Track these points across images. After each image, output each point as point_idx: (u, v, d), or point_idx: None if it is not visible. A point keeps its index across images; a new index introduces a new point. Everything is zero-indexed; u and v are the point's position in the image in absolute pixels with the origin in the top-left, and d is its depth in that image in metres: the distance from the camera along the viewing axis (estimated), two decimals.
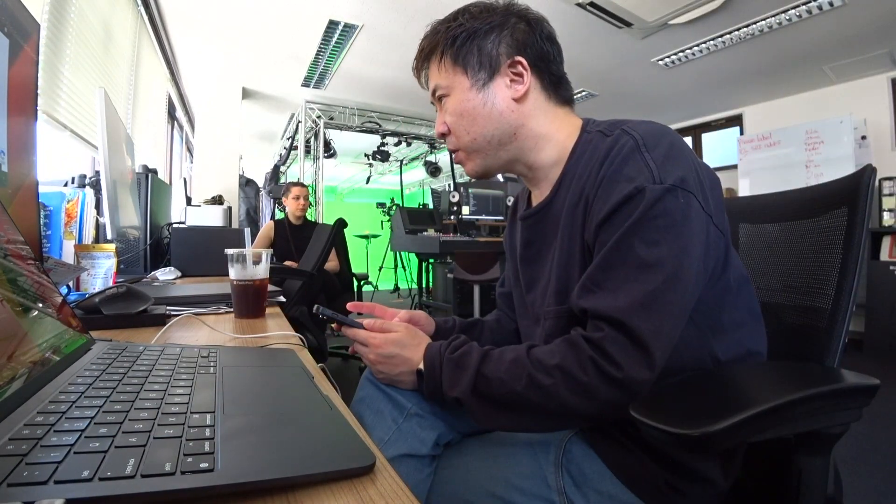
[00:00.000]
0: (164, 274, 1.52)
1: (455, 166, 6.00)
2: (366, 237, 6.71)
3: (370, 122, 4.77)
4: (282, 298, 1.03)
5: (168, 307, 0.83)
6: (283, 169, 5.33)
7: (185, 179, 3.60)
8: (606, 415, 0.51)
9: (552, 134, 0.64)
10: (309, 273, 1.88)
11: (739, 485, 0.57)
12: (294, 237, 3.01)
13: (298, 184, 3.15)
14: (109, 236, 1.19)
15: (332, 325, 0.67)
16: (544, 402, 0.51)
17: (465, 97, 0.62)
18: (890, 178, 3.39)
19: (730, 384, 0.51)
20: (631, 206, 0.51)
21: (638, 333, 0.48)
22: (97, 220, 1.41)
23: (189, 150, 5.12)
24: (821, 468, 0.47)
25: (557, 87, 0.64)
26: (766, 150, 4.02)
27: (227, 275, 0.80)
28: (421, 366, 0.59)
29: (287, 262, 2.82)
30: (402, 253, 6.69)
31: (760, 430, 0.40)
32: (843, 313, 0.56)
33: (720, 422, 0.36)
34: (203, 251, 1.75)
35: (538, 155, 0.64)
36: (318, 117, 4.49)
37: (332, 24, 2.90)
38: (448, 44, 0.63)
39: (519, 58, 0.61)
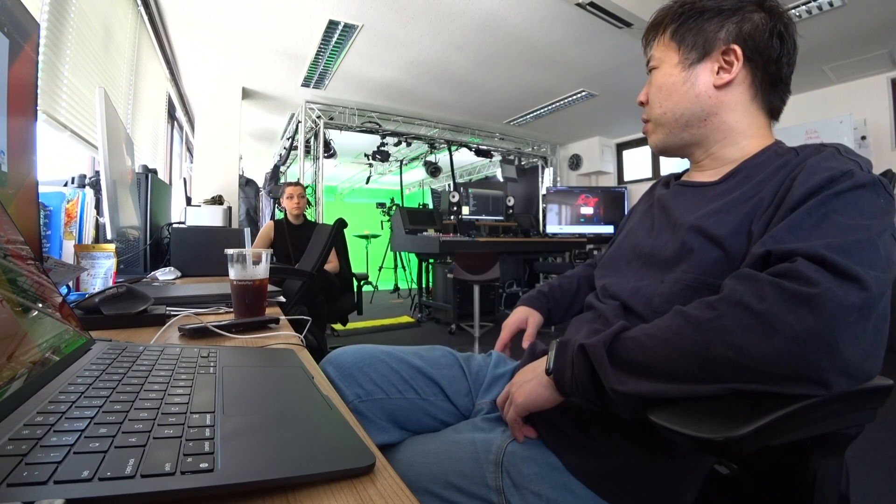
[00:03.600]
0: (164, 274, 1.52)
1: (455, 166, 6.00)
2: (366, 237, 6.71)
3: (370, 122, 4.77)
4: (282, 298, 1.03)
5: (168, 307, 0.83)
6: (283, 169, 5.32)
7: (185, 179, 3.60)
8: (796, 359, 0.37)
9: (745, 134, 0.63)
10: (309, 273, 1.88)
11: (752, 484, 0.57)
12: (294, 237, 3.01)
13: (292, 183, 3.16)
14: (109, 236, 1.19)
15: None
16: (700, 347, 0.41)
17: (669, 72, 0.63)
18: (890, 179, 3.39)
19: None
20: (835, 184, 0.47)
21: (843, 266, 0.39)
22: (97, 220, 1.41)
23: (189, 150, 5.12)
24: (836, 468, 0.47)
25: (769, 89, 0.62)
26: None
27: (227, 275, 0.80)
28: (545, 365, 0.55)
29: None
30: (402, 253, 6.69)
31: (783, 433, 0.40)
32: None
33: (743, 427, 0.36)
34: (203, 251, 1.75)
35: (723, 149, 0.64)
36: (318, 117, 4.49)
37: (332, 24, 2.89)
38: (673, 18, 0.63)
39: (734, 46, 0.59)
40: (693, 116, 0.63)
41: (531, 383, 0.57)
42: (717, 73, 0.61)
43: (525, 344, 0.83)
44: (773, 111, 0.65)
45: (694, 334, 0.41)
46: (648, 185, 0.85)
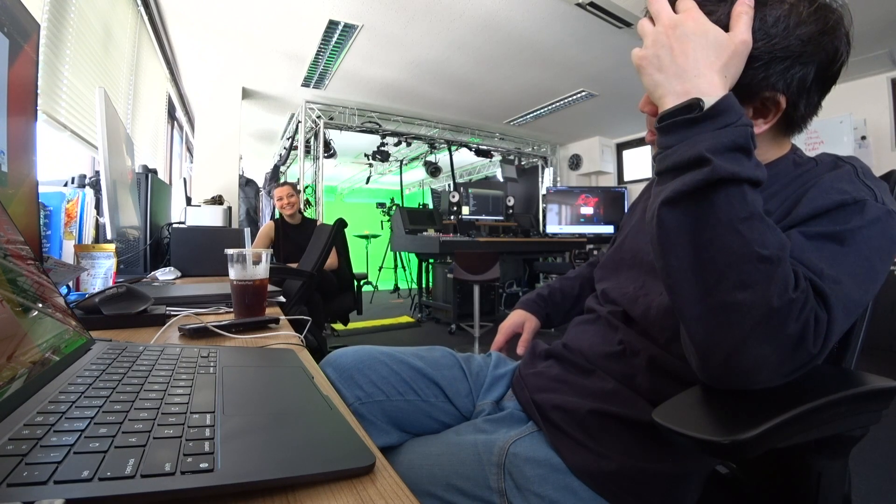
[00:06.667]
0: (164, 274, 1.52)
1: (455, 166, 6.00)
2: (366, 237, 6.71)
3: (370, 122, 4.77)
4: (282, 298, 1.03)
5: (168, 307, 0.83)
6: (283, 169, 5.33)
7: (185, 179, 3.60)
8: (760, 345, 0.39)
9: (760, 153, 0.53)
10: (309, 273, 1.88)
11: (753, 485, 0.57)
12: (294, 236, 3.02)
13: (280, 184, 3.20)
14: (109, 236, 1.19)
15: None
16: (736, 260, 0.39)
17: None
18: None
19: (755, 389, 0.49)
20: (844, 212, 0.45)
21: (830, 298, 0.41)
22: (97, 220, 1.41)
23: (189, 150, 5.12)
24: (840, 470, 0.47)
25: (798, 125, 0.54)
26: None
27: (227, 275, 0.80)
28: (709, 97, 0.43)
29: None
30: (402, 253, 6.69)
31: (790, 436, 0.40)
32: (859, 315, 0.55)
33: (751, 429, 0.36)
34: (203, 251, 1.75)
35: None
36: (318, 117, 4.49)
37: (332, 24, 2.89)
38: None
39: (780, 98, 0.49)
40: None
41: (682, 63, 0.44)
42: (751, 116, 0.51)
43: (519, 350, 0.83)
44: (794, 130, 0.57)
45: (743, 250, 0.40)
46: None
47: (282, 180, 5.13)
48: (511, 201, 5.37)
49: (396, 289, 7.10)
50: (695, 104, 0.43)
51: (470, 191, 5.10)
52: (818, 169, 0.53)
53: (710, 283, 0.41)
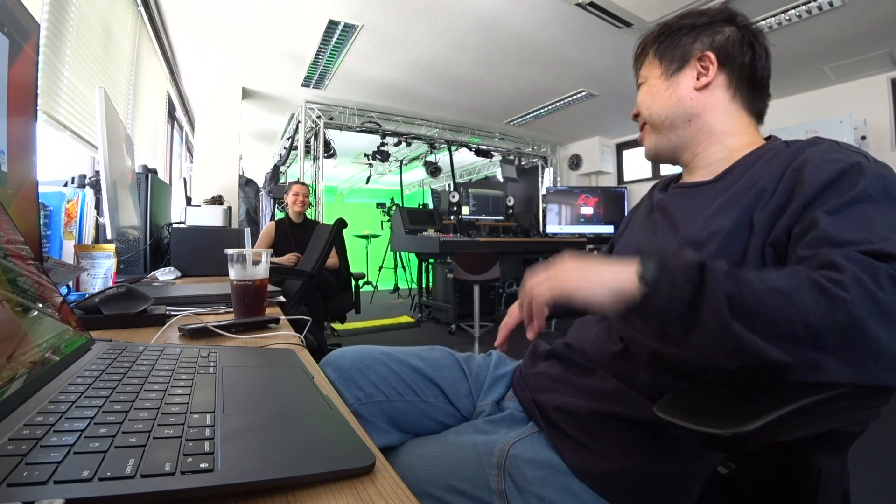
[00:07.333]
0: (164, 274, 1.52)
1: (455, 166, 6.00)
2: (366, 237, 6.71)
3: (370, 122, 4.76)
4: (282, 298, 1.03)
5: (168, 307, 0.83)
6: (283, 169, 5.32)
7: (185, 179, 3.60)
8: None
9: (728, 133, 0.66)
10: (309, 273, 1.88)
11: (753, 483, 0.57)
12: (296, 236, 3.02)
13: (298, 182, 3.24)
14: (109, 236, 1.19)
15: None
16: (820, 309, 0.39)
17: (654, 83, 0.70)
18: None
19: (756, 382, 0.49)
20: (849, 177, 0.49)
21: (893, 251, 0.42)
22: (97, 220, 1.41)
23: (189, 150, 5.12)
24: (839, 466, 0.47)
25: (746, 90, 0.66)
26: None
27: (227, 275, 0.80)
28: (639, 267, 0.46)
29: (289, 255, 2.86)
30: (402, 253, 6.69)
31: (791, 430, 0.40)
32: None
33: (752, 422, 0.36)
34: (203, 251, 1.75)
35: (708, 149, 0.67)
36: (318, 117, 4.49)
37: (332, 24, 2.89)
38: (654, 40, 0.71)
39: (708, 53, 0.65)
40: (677, 118, 0.67)
41: (584, 274, 0.48)
42: (697, 78, 0.66)
43: (530, 336, 0.82)
44: (755, 112, 0.68)
45: (819, 296, 0.39)
46: (648, 185, 0.85)
47: (282, 180, 5.13)
48: (511, 201, 5.37)
49: (396, 289, 7.10)
50: (643, 274, 0.45)
51: (470, 191, 5.10)
52: (792, 148, 0.57)
53: (787, 335, 0.39)
